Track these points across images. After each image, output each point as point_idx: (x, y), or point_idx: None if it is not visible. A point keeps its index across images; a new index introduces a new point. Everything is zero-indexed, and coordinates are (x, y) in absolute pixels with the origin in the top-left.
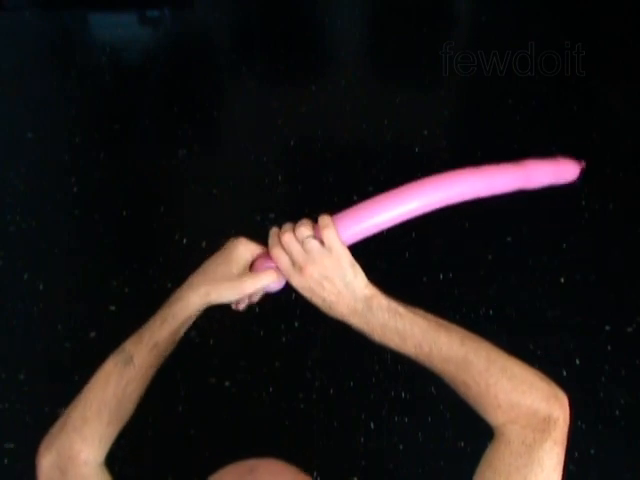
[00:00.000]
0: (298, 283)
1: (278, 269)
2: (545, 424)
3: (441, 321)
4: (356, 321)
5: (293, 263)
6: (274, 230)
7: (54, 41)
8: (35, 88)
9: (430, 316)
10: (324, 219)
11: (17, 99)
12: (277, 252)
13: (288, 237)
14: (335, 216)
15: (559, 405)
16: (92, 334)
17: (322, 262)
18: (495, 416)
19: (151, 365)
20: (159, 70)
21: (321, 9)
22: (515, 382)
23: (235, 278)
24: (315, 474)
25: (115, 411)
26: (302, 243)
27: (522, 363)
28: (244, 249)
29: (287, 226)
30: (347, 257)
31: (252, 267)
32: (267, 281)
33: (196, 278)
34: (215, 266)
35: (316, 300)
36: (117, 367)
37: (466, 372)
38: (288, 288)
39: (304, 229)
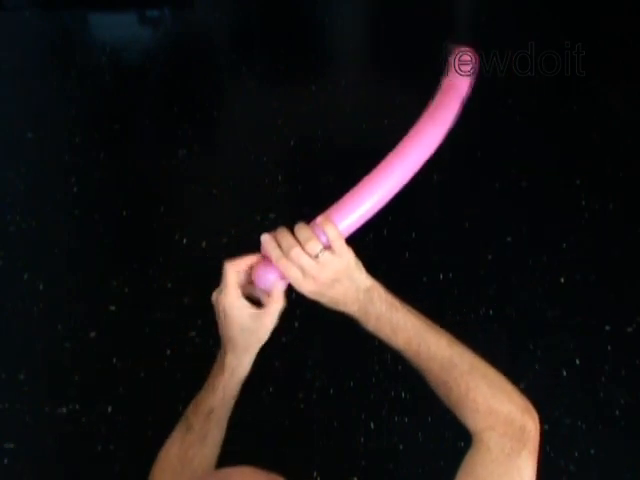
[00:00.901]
0: (309, 290)
1: (282, 277)
2: (521, 434)
3: (432, 323)
4: (355, 309)
5: (304, 274)
6: (268, 239)
7: (54, 41)
8: (35, 88)
9: (423, 317)
10: (331, 229)
11: (17, 99)
12: (286, 265)
13: (297, 252)
14: (328, 213)
15: (532, 418)
16: (92, 334)
17: (333, 268)
18: (473, 420)
19: (211, 429)
20: (159, 70)
21: (321, 9)
22: (494, 390)
23: (256, 326)
24: (315, 474)
25: (179, 472)
26: (314, 257)
27: (501, 375)
28: (228, 300)
29: (284, 233)
30: (353, 257)
31: (254, 278)
32: (279, 301)
33: (227, 350)
34: (230, 332)
35: (322, 299)
36: (180, 433)
37: (449, 373)
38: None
39: (314, 244)
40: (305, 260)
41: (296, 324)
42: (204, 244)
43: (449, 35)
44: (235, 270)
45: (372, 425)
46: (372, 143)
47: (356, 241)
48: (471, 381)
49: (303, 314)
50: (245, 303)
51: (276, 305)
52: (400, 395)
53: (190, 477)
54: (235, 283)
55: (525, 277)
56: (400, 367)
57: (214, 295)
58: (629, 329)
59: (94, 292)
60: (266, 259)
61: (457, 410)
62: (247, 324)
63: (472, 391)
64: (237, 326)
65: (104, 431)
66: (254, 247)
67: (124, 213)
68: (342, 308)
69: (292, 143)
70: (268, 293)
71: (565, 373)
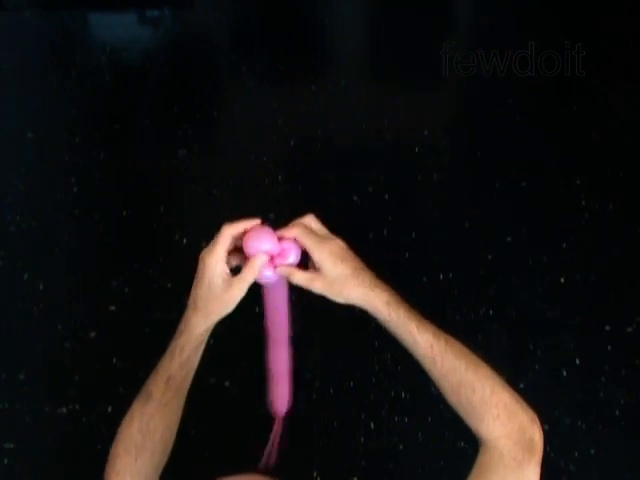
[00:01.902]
0: (327, 249)
1: (270, 251)
2: (531, 444)
3: None
4: (385, 295)
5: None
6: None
7: (54, 41)
8: (35, 88)
9: None
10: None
11: (17, 99)
12: (301, 227)
13: (308, 218)
14: None
15: (539, 429)
16: (92, 334)
17: (342, 241)
18: (492, 427)
19: (171, 399)
20: (159, 70)
21: (321, 9)
22: (512, 398)
23: (224, 290)
24: (315, 474)
25: (141, 446)
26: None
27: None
28: (212, 259)
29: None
30: None
31: (243, 242)
32: (252, 275)
33: (189, 309)
34: (199, 290)
35: (345, 265)
36: (139, 404)
37: (475, 373)
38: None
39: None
40: (315, 223)
41: (296, 324)
42: (204, 244)
43: (449, 35)
44: (230, 233)
45: (372, 425)
46: (372, 143)
47: (356, 241)
48: (495, 385)
49: (303, 314)
50: (223, 267)
51: (249, 274)
52: (400, 395)
53: (152, 449)
54: (224, 244)
55: (525, 277)
56: (400, 367)
57: (203, 251)
58: (629, 329)
59: (94, 292)
60: (260, 228)
61: (476, 414)
62: (216, 286)
63: (496, 396)
64: (206, 286)
65: (104, 431)
66: None
67: (124, 213)
68: (368, 284)
69: (292, 143)
70: (249, 261)
71: (565, 373)
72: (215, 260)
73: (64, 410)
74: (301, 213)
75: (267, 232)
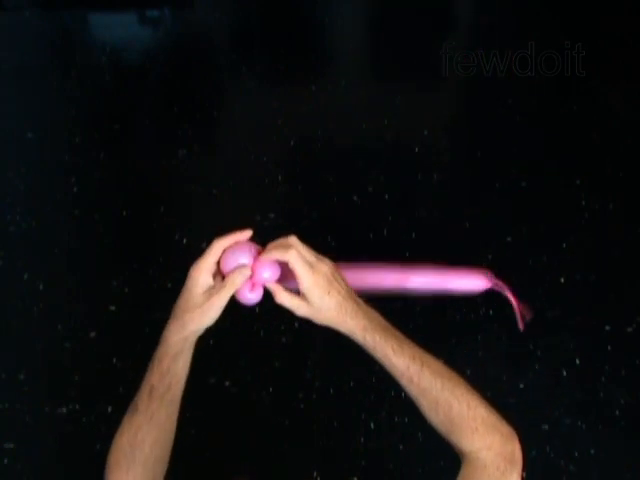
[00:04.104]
0: (315, 280)
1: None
2: (512, 456)
3: None
4: (360, 319)
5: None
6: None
7: (54, 41)
8: (35, 88)
9: None
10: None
11: (17, 99)
12: (295, 252)
13: (293, 240)
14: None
15: (519, 445)
16: (92, 334)
17: (330, 264)
18: (472, 440)
19: (155, 410)
20: (159, 70)
21: (321, 9)
22: (491, 414)
23: (202, 301)
24: (315, 474)
25: (131, 458)
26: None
27: None
28: (195, 271)
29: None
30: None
31: (220, 268)
32: (231, 288)
33: (170, 319)
34: (179, 300)
35: (331, 297)
36: (128, 416)
37: (452, 390)
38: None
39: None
40: (306, 251)
41: (296, 324)
42: (204, 244)
43: (449, 35)
44: (221, 246)
45: (372, 425)
46: (372, 143)
47: (356, 241)
48: (472, 400)
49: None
50: (207, 279)
51: (228, 288)
52: (400, 395)
53: (144, 462)
54: (211, 258)
55: (525, 277)
56: None
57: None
58: (629, 329)
59: (94, 292)
60: (242, 244)
61: (455, 429)
62: (196, 297)
63: (473, 410)
64: (186, 296)
65: (104, 431)
66: None
67: (124, 213)
68: (351, 312)
69: (292, 143)
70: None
71: (565, 373)
72: (199, 272)
73: (64, 410)
74: (301, 213)
75: (244, 248)
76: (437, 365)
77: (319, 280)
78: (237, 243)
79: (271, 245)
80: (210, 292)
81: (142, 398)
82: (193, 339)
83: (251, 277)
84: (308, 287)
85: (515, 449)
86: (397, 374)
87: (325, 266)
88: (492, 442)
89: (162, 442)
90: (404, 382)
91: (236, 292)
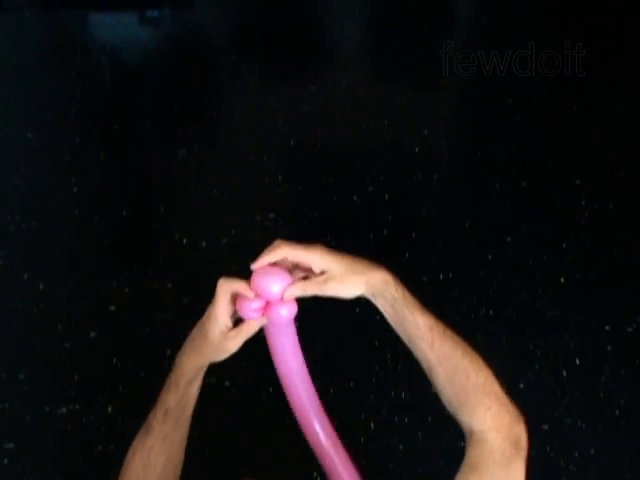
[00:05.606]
0: (320, 250)
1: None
2: (518, 441)
3: None
4: (380, 271)
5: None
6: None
7: (54, 41)
8: (35, 88)
9: None
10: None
11: (17, 99)
12: (283, 247)
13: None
14: None
15: (525, 430)
16: (92, 334)
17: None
18: (483, 418)
19: (170, 431)
20: (159, 70)
21: (321, 9)
22: (503, 393)
23: (219, 342)
24: (315, 474)
25: (143, 477)
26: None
27: None
28: (217, 313)
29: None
30: None
31: (237, 306)
32: (247, 334)
33: (187, 342)
34: (197, 332)
35: (344, 257)
36: (141, 436)
37: (471, 361)
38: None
39: None
40: None
41: (296, 324)
42: (204, 244)
43: (449, 35)
44: (227, 289)
45: (372, 425)
46: (372, 143)
47: (356, 241)
48: (489, 376)
49: (303, 314)
50: (226, 321)
51: (242, 336)
52: (400, 395)
53: None
54: (224, 301)
55: (525, 277)
56: (400, 367)
57: (210, 305)
58: (629, 329)
59: (94, 292)
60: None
61: (468, 403)
62: (213, 336)
63: (489, 385)
64: (205, 332)
65: (104, 431)
66: (254, 247)
67: (124, 213)
68: (375, 274)
69: (292, 143)
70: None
71: (565, 373)
72: (219, 314)
73: (64, 410)
74: (301, 213)
75: (277, 272)
76: (457, 335)
77: (323, 249)
78: (264, 269)
79: (259, 258)
80: (227, 335)
81: (157, 419)
82: (207, 365)
83: (266, 305)
84: (320, 259)
85: (521, 433)
86: (418, 335)
87: (317, 244)
88: (502, 423)
89: (174, 462)
90: (424, 346)
91: (267, 315)
